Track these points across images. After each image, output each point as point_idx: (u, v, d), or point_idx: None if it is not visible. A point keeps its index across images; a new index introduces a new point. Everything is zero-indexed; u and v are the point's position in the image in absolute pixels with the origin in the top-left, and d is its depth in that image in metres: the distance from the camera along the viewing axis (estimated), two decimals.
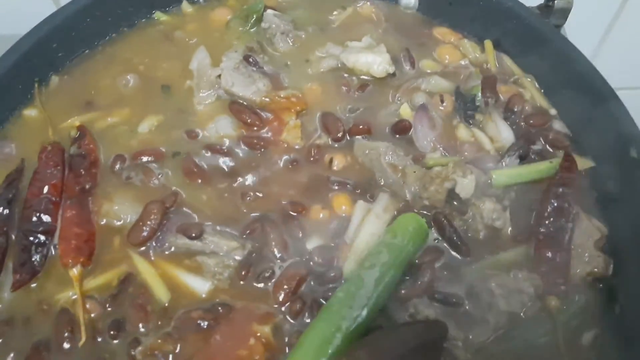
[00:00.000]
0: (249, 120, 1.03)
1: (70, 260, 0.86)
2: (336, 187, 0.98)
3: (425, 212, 0.96)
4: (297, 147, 1.02)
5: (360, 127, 1.04)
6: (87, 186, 0.96)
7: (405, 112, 1.06)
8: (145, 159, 1.00)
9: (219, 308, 0.85)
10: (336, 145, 1.03)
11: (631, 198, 0.95)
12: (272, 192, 0.97)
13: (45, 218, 0.89)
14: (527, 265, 0.91)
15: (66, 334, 0.83)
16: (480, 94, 1.09)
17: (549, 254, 0.91)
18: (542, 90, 1.13)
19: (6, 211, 0.90)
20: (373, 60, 1.08)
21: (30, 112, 1.06)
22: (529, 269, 0.91)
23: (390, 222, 0.94)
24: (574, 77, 1.06)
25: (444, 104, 1.07)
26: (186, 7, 1.24)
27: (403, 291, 0.87)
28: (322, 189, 0.98)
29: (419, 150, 1.03)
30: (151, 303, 0.86)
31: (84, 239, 0.88)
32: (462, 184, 0.95)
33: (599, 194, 1.01)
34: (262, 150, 1.02)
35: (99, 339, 0.83)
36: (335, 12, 1.24)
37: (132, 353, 0.81)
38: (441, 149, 1.03)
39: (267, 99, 1.05)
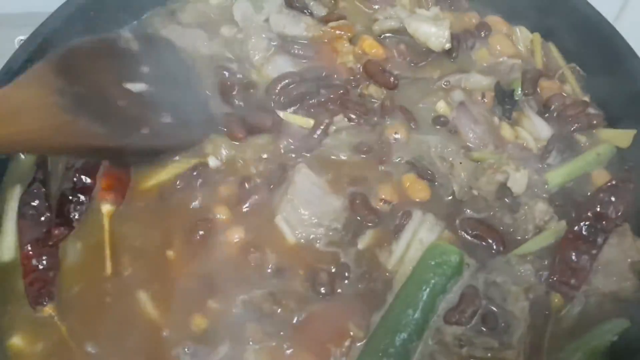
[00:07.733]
0: (301, 53, 1.09)
1: (103, 197, 0.93)
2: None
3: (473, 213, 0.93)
4: (351, 65, 1.06)
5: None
6: None
7: (443, 108, 1.02)
8: None
9: None
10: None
11: None
12: None
13: (85, 179, 0.95)
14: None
15: None
16: (520, 89, 1.05)
17: (573, 254, 0.88)
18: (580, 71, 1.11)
19: (43, 190, 0.94)
20: (433, 32, 1.05)
21: None
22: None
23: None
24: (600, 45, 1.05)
25: (485, 100, 1.04)
26: None
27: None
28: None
29: (468, 145, 0.99)
30: None
31: (118, 177, 0.95)
32: (514, 177, 0.90)
33: None
34: (325, 75, 1.05)
35: None
36: None
37: None
38: (491, 145, 0.99)
39: (318, 32, 1.09)
